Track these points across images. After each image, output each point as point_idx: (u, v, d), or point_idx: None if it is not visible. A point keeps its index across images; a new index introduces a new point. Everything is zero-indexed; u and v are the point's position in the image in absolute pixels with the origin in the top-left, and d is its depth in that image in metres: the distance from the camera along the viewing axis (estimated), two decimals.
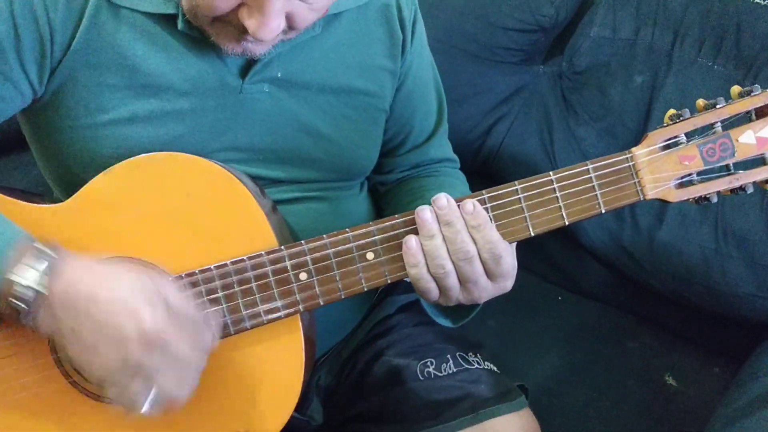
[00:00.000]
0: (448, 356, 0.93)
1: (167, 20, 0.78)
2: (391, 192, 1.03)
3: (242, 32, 0.72)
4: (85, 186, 0.76)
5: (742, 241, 1.20)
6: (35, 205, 0.76)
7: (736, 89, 0.74)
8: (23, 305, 0.65)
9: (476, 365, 0.93)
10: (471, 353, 0.95)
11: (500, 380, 0.92)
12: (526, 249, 0.78)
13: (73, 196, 0.76)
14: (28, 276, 0.65)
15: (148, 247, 0.75)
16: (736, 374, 1.19)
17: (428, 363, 0.92)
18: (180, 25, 0.77)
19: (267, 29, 0.70)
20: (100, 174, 0.76)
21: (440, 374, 0.91)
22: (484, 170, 1.44)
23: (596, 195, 0.75)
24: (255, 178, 0.83)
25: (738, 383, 1.12)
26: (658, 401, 1.23)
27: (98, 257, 0.74)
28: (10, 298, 0.65)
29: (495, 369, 0.95)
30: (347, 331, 0.98)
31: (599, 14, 1.32)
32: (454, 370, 0.91)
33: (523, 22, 1.34)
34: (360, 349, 0.97)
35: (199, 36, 0.78)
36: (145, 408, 0.66)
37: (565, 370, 1.27)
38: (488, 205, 0.74)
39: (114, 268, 0.69)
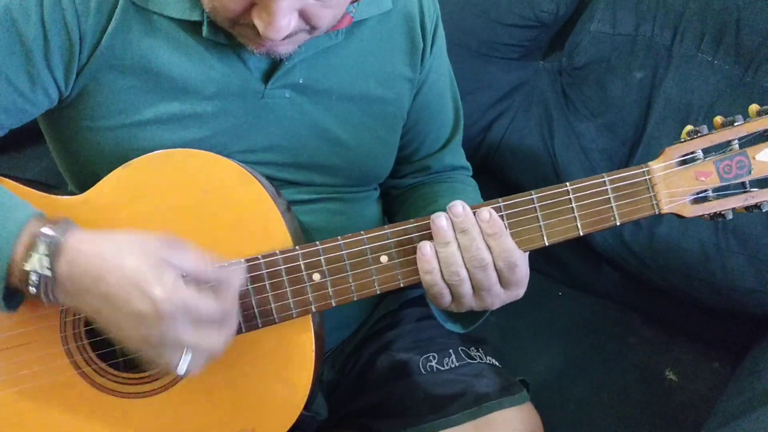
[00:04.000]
0: (451, 351, 0.93)
1: (193, 26, 0.78)
2: (403, 196, 1.03)
3: (259, 33, 0.71)
4: (102, 179, 0.76)
5: (742, 237, 1.20)
6: (52, 196, 0.76)
7: (754, 108, 0.74)
8: (33, 289, 0.65)
9: (478, 360, 0.93)
10: (473, 348, 0.95)
11: (502, 374, 0.92)
12: (528, 254, 0.78)
13: (91, 189, 0.76)
14: (30, 261, 0.65)
15: None
16: (736, 369, 1.19)
17: (431, 357, 0.92)
18: (205, 32, 0.77)
19: (274, 29, 0.69)
20: (118, 168, 0.76)
21: (442, 368, 0.91)
22: (484, 166, 1.44)
23: (612, 207, 0.75)
24: (271, 180, 0.84)
25: (738, 378, 1.12)
26: (658, 396, 1.24)
27: None
28: (25, 285, 0.66)
29: (497, 364, 0.95)
30: (353, 328, 0.99)
31: (599, 9, 1.32)
32: (457, 364, 0.92)
33: (522, 17, 1.34)
34: (363, 344, 0.98)
35: (224, 41, 0.78)
36: (181, 369, 0.66)
37: (565, 365, 1.27)
38: (503, 213, 0.74)
39: (117, 238, 0.67)
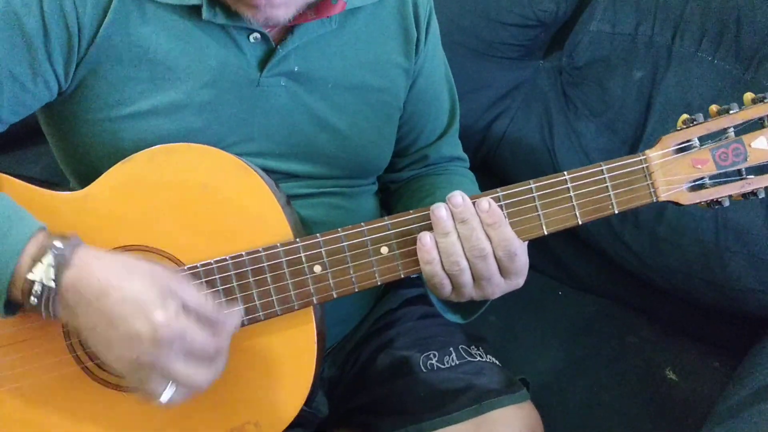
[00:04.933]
0: (451, 349, 0.93)
1: (190, 12, 0.78)
2: (401, 190, 1.04)
3: None
4: (103, 174, 0.76)
5: (741, 236, 1.20)
6: (53, 192, 0.76)
7: (749, 96, 0.75)
8: (35, 300, 0.65)
9: (479, 358, 0.93)
10: (474, 346, 0.95)
11: (502, 373, 0.92)
12: (527, 244, 0.79)
13: (91, 184, 0.76)
14: (36, 271, 0.65)
15: (163, 237, 0.75)
16: (736, 368, 1.19)
17: (431, 355, 0.92)
18: (205, 13, 0.77)
19: None
20: (119, 163, 0.76)
21: (443, 366, 0.91)
22: (484, 165, 1.44)
23: (609, 195, 0.75)
24: (270, 172, 0.84)
25: (738, 377, 1.12)
26: (659, 395, 1.23)
27: (113, 246, 0.74)
28: (27, 295, 0.66)
29: (497, 362, 0.95)
30: (353, 324, 0.99)
31: (599, 9, 1.32)
32: (457, 362, 0.92)
33: (522, 17, 1.34)
34: (364, 342, 0.98)
35: (223, 21, 0.78)
36: (163, 398, 0.66)
37: (565, 365, 1.27)
38: (503, 203, 0.74)
39: (126, 261, 0.68)
